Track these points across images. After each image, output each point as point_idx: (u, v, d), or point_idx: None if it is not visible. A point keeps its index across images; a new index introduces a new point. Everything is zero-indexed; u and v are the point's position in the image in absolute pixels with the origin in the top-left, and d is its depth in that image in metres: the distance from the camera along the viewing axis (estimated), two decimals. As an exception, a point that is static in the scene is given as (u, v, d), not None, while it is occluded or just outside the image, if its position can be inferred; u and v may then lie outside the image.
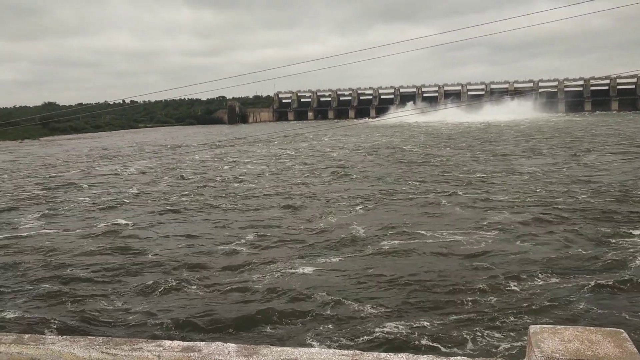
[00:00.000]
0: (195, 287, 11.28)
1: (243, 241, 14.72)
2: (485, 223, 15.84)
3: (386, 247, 13.68)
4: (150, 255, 13.62)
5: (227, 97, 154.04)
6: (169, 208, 19.94)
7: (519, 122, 79.87)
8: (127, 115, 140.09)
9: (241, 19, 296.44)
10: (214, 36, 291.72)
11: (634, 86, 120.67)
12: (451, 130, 67.03)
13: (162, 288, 11.23)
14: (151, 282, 11.61)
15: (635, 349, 1.23)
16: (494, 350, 8.26)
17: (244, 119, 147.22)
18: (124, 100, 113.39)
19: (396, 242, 14.13)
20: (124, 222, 17.73)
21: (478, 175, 25.37)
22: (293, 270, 12.00)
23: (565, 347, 1.17)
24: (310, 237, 14.91)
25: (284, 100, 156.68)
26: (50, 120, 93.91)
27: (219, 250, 13.83)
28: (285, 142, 55.46)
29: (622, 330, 1.37)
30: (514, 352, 8.15)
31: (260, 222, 17.00)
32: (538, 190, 20.90)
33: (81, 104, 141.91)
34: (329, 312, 9.76)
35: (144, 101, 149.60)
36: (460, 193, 20.88)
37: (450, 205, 18.54)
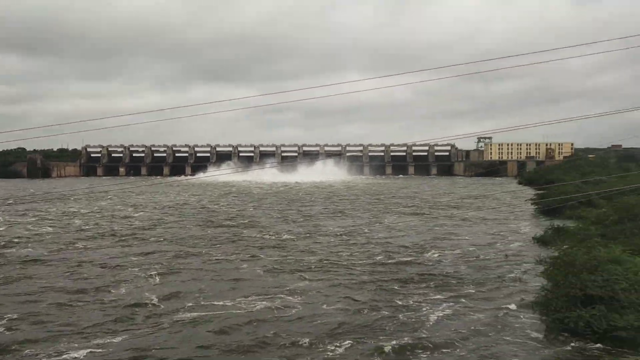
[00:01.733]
0: None
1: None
2: (287, 288, 15.47)
3: (183, 319, 12.56)
4: None
5: (28, 150, 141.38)
6: None
7: (328, 183, 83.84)
8: None
9: (51, 67, 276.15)
10: (18, 83, 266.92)
11: (426, 153, 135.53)
12: (265, 190, 67.80)
13: None
14: None
15: None
16: None
17: (46, 173, 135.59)
18: None
19: (194, 314, 13.06)
20: None
21: (285, 237, 25.30)
22: (68, 355, 10.26)
23: None
24: (95, 311, 13.16)
25: (92, 155, 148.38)
26: None
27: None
28: (86, 200, 51.22)
29: None
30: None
31: (31, 297, 14.62)
32: (340, 252, 21.28)
33: None
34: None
35: None
36: (264, 256, 20.44)
37: (253, 270, 17.96)
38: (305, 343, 11.03)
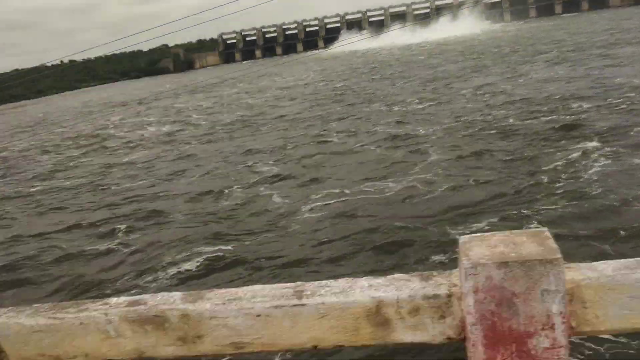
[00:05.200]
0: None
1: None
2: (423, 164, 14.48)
3: (313, 215, 12.17)
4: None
5: (170, 45, 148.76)
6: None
7: (469, 36, 78.04)
8: (68, 76, 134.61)
9: None
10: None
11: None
12: (395, 56, 64.82)
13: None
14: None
15: (555, 245, 1.36)
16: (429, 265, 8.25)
17: (190, 66, 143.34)
18: (62, 61, 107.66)
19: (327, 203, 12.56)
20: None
21: (411, 107, 23.63)
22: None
23: (492, 252, 1.33)
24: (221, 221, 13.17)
25: (229, 42, 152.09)
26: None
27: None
28: (210, 89, 52.93)
29: (545, 229, 1.47)
30: (447, 263, 8.11)
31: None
32: (474, 115, 19.50)
33: (17, 69, 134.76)
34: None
35: (84, 59, 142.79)
36: (386, 130, 19.19)
37: (380, 149, 17.00)
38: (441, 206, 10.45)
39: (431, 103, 23.72)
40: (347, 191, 12.96)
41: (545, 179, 11.65)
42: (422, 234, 9.63)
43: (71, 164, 22.66)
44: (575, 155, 12.95)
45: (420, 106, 23.45)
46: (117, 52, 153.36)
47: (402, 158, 15.35)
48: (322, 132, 20.84)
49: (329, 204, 12.29)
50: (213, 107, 36.53)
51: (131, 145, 25.16)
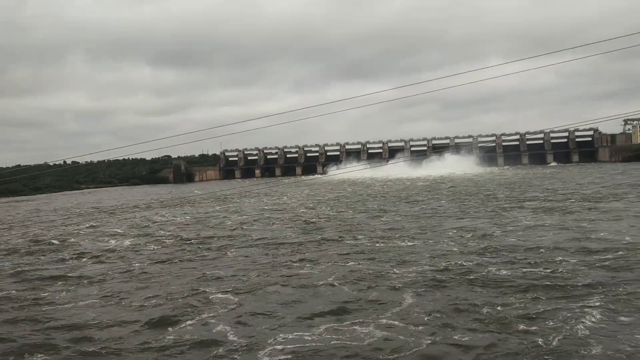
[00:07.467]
0: None
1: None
2: (390, 310, 13.51)
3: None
4: None
5: (173, 157, 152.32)
6: None
7: (456, 176, 79.76)
8: (69, 176, 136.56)
9: (201, 78, 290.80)
10: (172, 95, 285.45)
11: (566, 140, 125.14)
12: (387, 186, 65.65)
13: None
14: None
15: None
16: None
17: (189, 178, 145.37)
18: (65, 161, 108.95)
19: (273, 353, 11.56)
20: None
21: (383, 244, 23.13)
22: None
23: None
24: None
25: (230, 159, 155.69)
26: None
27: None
28: (211, 203, 52.77)
29: None
30: None
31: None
32: (455, 261, 18.79)
33: (19, 165, 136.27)
34: None
35: (87, 161, 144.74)
36: (350, 264, 18.48)
37: (345, 286, 16.10)
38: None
39: (419, 238, 23.08)
40: (308, 334, 11.91)
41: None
42: None
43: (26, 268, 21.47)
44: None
45: (389, 244, 22.78)
46: (121, 158, 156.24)
47: (367, 296, 14.42)
48: (285, 261, 20.03)
49: (289, 347, 11.22)
50: (186, 224, 35.87)
51: (87, 257, 23.98)
